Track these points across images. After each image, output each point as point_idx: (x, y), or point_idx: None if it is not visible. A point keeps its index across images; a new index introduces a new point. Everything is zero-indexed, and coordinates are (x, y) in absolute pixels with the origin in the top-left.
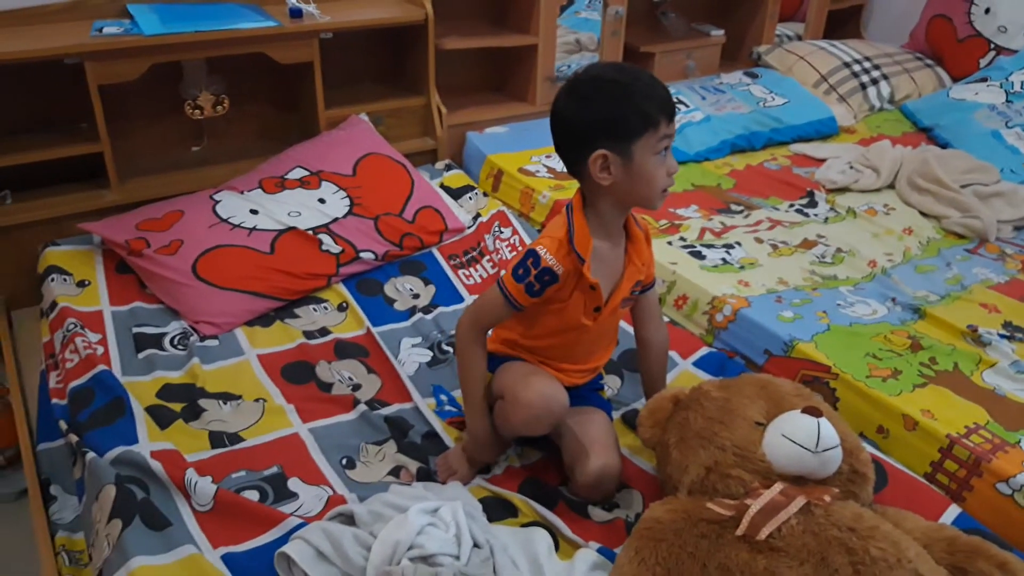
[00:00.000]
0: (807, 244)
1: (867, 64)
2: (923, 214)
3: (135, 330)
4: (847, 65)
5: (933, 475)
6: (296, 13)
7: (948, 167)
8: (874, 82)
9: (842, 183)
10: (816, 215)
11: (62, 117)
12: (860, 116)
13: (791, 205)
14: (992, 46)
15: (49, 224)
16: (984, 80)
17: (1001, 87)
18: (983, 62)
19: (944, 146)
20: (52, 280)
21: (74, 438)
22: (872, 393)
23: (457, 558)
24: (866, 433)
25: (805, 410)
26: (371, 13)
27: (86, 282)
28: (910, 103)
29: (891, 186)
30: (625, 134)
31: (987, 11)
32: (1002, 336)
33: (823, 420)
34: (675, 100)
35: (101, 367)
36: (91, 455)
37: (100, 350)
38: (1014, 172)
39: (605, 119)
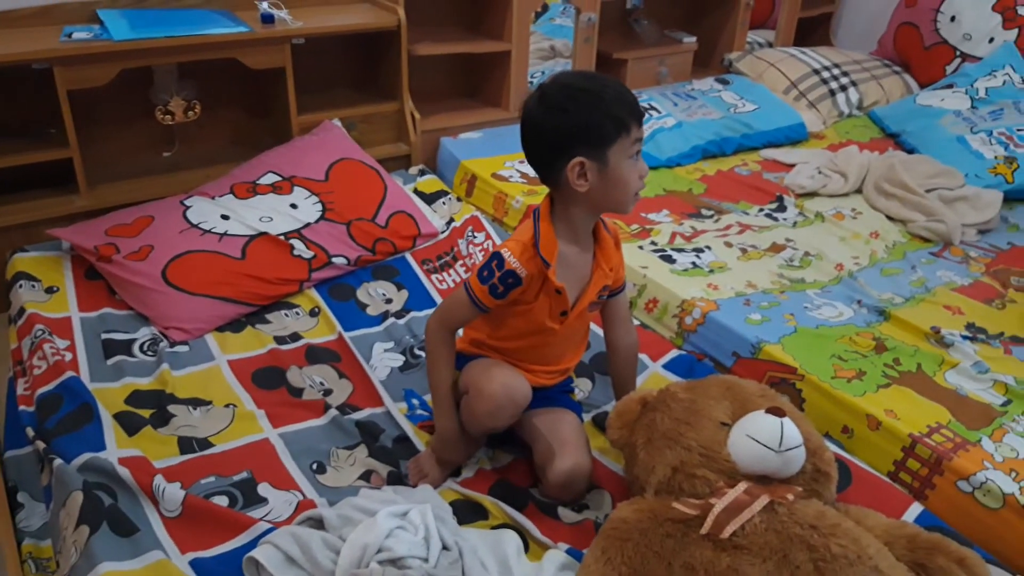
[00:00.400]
0: (776, 248)
1: (836, 71)
2: (889, 218)
3: (104, 336)
4: (816, 72)
5: (896, 474)
6: (268, 19)
7: (914, 172)
8: (843, 88)
9: (811, 188)
10: (785, 219)
11: (31, 122)
12: (829, 122)
13: (761, 210)
14: (958, 53)
15: (17, 230)
16: (950, 87)
17: (966, 93)
18: (949, 69)
19: (911, 151)
20: (20, 286)
21: (41, 445)
22: (837, 394)
23: (426, 560)
24: (831, 433)
25: (769, 410)
26: (343, 19)
27: (55, 288)
28: (878, 109)
29: (859, 191)
30: (600, 141)
31: (952, 19)
32: (964, 337)
33: (786, 420)
34: (647, 106)
35: (69, 373)
36: (58, 462)
37: (68, 356)
38: (978, 176)
39: (581, 127)
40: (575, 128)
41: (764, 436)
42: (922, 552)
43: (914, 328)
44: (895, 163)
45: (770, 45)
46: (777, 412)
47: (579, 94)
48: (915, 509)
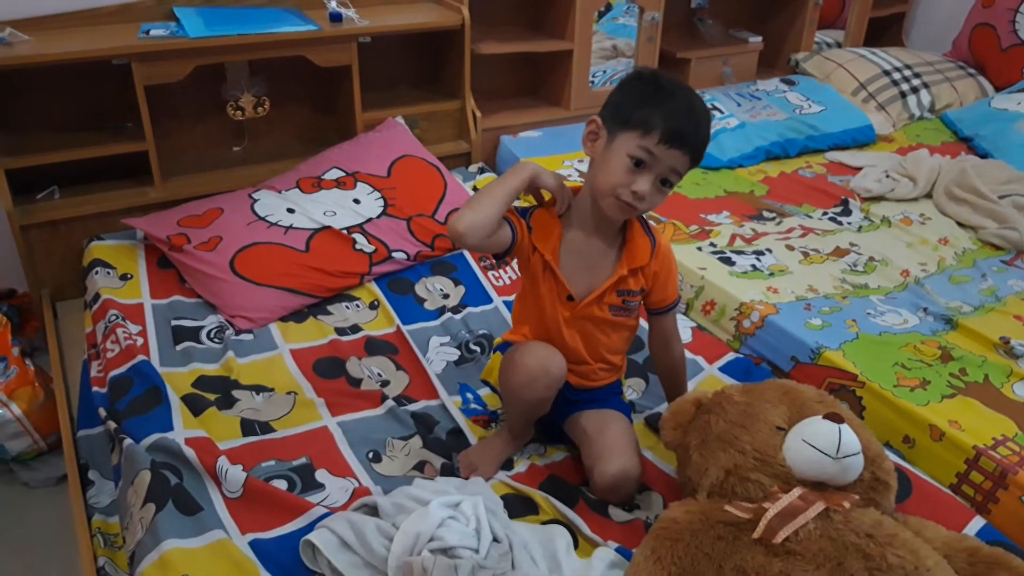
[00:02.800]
0: (839, 252)
1: (907, 72)
2: (960, 224)
3: (174, 323)
4: (887, 73)
5: (958, 486)
6: (336, 17)
7: (986, 177)
8: (914, 90)
9: (878, 192)
10: (850, 223)
11: (109, 116)
12: (899, 125)
13: (824, 213)
14: None
15: (95, 219)
16: None
17: None
18: None
19: (984, 156)
20: (96, 273)
21: (112, 425)
22: (899, 402)
23: (476, 551)
24: (892, 442)
25: (827, 416)
26: (409, 18)
27: (128, 275)
28: (951, 112)
29: (928, 196)
30: (620, 119)
31: None
32: None
33: (844, 426)
34: (709, 106)
35: (140, 357)
36: (128, 441)
37: (140, 341)
38: None
39: (619, 99)
40: (617, 98)
41: (821, 442)
42: (983, 567)
43: (982, 338)
44: (967, 167)
45: (839, 45)
46: (835, 418)
47: (650, 80)
48: (977, 523)
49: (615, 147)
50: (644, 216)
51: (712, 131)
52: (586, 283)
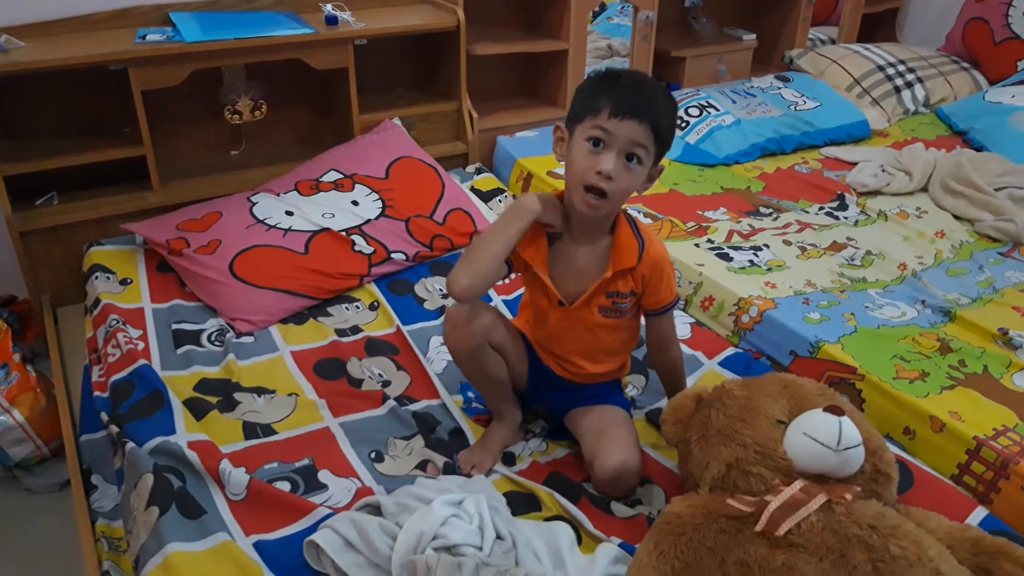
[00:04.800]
0: (836, 247)
1: (901, 67)
2: (956, 217)
3: (174, 326)
4: (881, 68)
5: (960, 477)
6: (332, 20)
7: (982, 170)
8: (908, 85)
9: (874, 186)
10: (846, 218)
11: (107, 121)
12: (894, 120)
13: (821, 208)
14: None
15: (94, 224)
16: (1021, 83)
17: None
18: (1021, 65)
19: (979, 149)
20: (96, 278)
21: (115, 429)
22: (898, 395)
23: (480, 549)
24: (892, 435)
25: (827, 409)
26: (404, 19)
27: (128, 280)
28: (945, 106)
29: (924, 189)
30: (574, 115)
31: None
32: None
33: (845, 419)
34: (704, 103)
35: (141, 361)
36: (131, 445)
37: (141, 345)
38: None
39: (576, 99)
40: (574, 99)
41: (822, 434)
42: (986, 557)
43: (981, 329)
44: (963, 161)
45: (833, 42)
46: (836, 411)
47: (598, 75)
48: (979, 513)
49: (574, 140)
50: (635, 218)
51: (708, 128)
52: (576, 287)
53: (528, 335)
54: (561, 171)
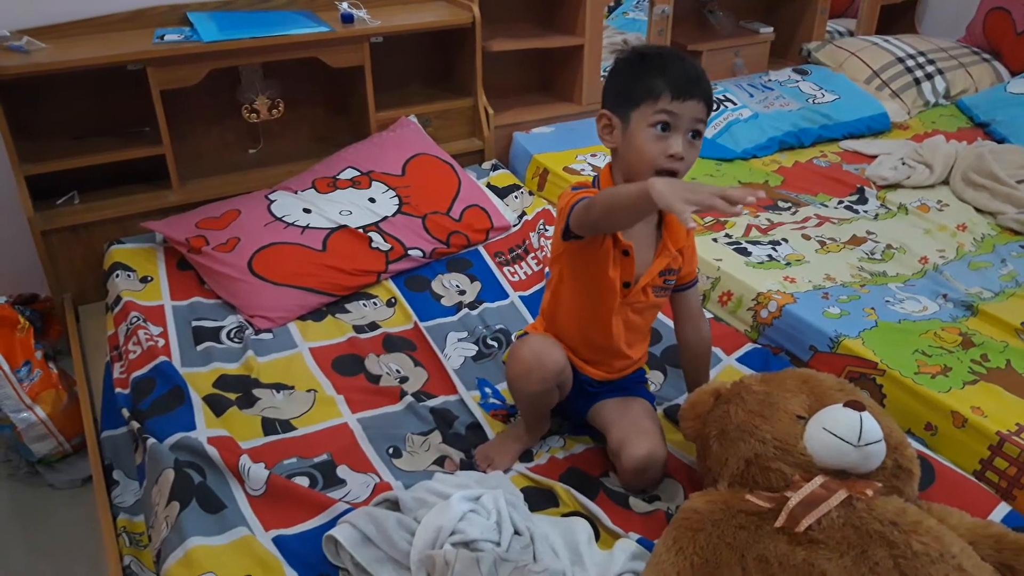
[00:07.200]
0: (856, 241)
1: (921, 59)
2: (978, 210)
3: (194, 324)
4: (900, 60)
5: (982, 473)
6: (347, 18)
7: (1004, 162)
8: (928, 77)
9: (894, 179)
10: (866, 211)
11: (126, 121)
12: (914, 112)
13: (840, 202)
14: None
15: (114, 223)
16: None
17: None
18: None
19: (1001, 141)
20: (117, 276)
21: (136, 425)
22: (920, 390)
23: (498, 544)
24: (914, 430)
25: (847, 404)
26: (419, 17)
27: (149, 278)
28: (966, 98)
29: (945, 182)
30: (626, 100)
31: None
32: None
33: (865, 414)
34: (721, 98)
35: (162, 358)
36: (152, 441)
37: (161, 342)
38: None
39: (616, 84)
40: (612, 84)
41: (842, 430)
42: (1010, 553)
43: (1004, 323)
44: (984, 153)
45: (851, 34)
46: (856, 406)
47: (632, 55)
48: (1002, 509)
49: (633, 126)
50: None
51: (725, 122)
52: (636, 270)
53: (562, 339)
54: (578, 167)
